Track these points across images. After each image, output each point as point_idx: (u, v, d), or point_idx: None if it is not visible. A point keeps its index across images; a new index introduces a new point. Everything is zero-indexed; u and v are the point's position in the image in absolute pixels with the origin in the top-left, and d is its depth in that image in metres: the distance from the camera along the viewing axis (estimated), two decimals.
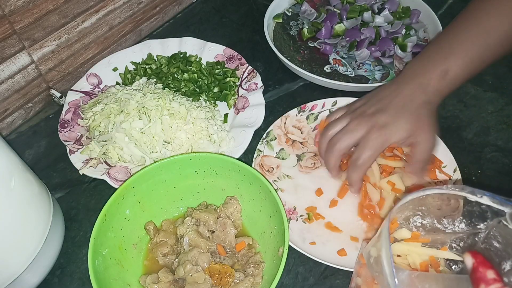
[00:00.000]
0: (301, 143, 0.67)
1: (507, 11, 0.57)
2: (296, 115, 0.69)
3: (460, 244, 0.44)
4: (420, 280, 0.37)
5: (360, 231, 0.58)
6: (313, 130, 0.68)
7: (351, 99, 0.70)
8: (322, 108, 0.70)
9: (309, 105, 0.70)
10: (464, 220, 0.42)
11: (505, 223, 0.37)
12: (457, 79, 0.57)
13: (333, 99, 0.70)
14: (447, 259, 0.45)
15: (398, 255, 0.45)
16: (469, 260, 0.32)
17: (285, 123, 0.68)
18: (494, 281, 0.30)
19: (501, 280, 0.30)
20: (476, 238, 0.42)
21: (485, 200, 0.37)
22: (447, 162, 0.62)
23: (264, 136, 0.66)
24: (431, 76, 0.56)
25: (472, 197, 0.38)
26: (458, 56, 0.56)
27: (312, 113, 0.69)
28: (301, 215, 0.60)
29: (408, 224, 0.45)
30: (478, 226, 0.40)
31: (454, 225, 0.43)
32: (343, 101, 0.70)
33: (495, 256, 0.40)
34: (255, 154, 0.65)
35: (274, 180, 0.63)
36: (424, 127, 0.56)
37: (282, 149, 0.67)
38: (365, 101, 0.60)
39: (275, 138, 0.67)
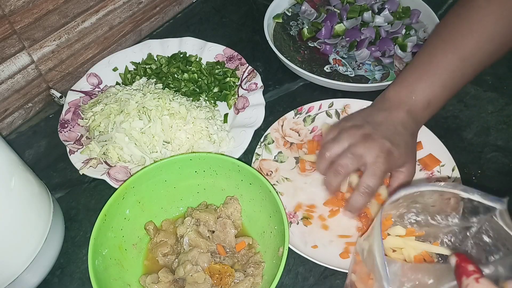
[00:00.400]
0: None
1: (482, 35, 0.57)
2: (293, 118, 0.69)
3: (452, 240, 0.45)
4: (412, 271, 0.38)
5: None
6: (310, 133, 0.68)
7: (350, 100, 0.70)
8: (319, 110, 0.69)
9: (306, 107, 0.69)
10: (457, 215, 0.43)
11: (495, 219, 0.38)
12: (437, 107, 0.60)
13: (329, 101, 0.70)
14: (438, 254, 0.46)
15: (394, 250, 0.46)
16: (453, 259, 0.35)
17: (282, 126, 0.68)
18: (473, 272, 0.33)
19: (480, 272, 0.33)
20: (468, 233, 0.43)
21: (477, 197, 0.38)
22: (446, 161, 0.62)
23: (261, 139, 0.66)
24: (417, 106, 0.58)
25: (464, 195, 0.39)
26: (438, 87, 0.58)
27: (309, 115, 0.69)
28: (302, 218, 0.60)
29: (403, 221, 0.46)
30: (471, 220, 0.42)
31: (448, 220, 0.44)
32: (339, 102, 0.70)
33: (483, 252, 0.41)
34: (254, 158, 0.64)
35: (274, 184, 0.63)
36: (411, 158, 0.57)
37: (280, 152, 0.66)
38: (360, 123, 0.58)
39: (273, 141, 0.67)
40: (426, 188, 0.40)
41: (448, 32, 0.60)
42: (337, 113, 0.70)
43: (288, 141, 0.67)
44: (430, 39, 0.62)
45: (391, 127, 0.57)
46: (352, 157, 0.55)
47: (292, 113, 0.69)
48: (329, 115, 0.69)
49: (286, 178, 0.64)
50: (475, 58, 0.58)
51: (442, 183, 0.40)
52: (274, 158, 0.66)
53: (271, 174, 0.64)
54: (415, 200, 0.43)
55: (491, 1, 0.57)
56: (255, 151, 0.65)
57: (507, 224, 0.37)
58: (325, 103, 0.70)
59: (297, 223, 0.59)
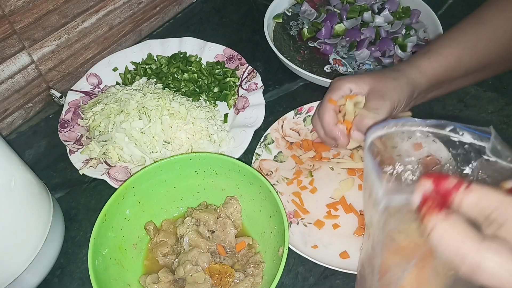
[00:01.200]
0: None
1: (487, 24, 0.58)
2: (293, 118, 0.69)
3: None
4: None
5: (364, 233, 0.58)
6: (310, 132, 0.68)
7: None
8: None
9: (306, 107, 0.69)
10: (450, 167, 0.41)
11: (486, 157, 0.36)
12: (428, 76, 0.57)
13: None
14: None
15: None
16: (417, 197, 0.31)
17: (282, 126, 0.68)
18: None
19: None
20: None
21: (467, 137, 0.36)
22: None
23: (261, 139, 0.66)
24: (412, 71, 0.57)
25: (454, 136, 0.37)
26: (432, 58, 0.57)
27: (309, 115, 0.69)
28: (302, 219, 0.60)
29: (401, 183, 0.43)
30: (465, 171, 0.39)
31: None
32: None
33: None
34: (254, 158, 0.64)
35: (274, 184, 0.63)
36: (391, 96, 0.54)
37: (280, 152, 0.66)
38: None
39: (273, 141, 0.66)
40: (417, 128, 0.37)
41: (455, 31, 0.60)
42: None
43: (288, 141, 0.67)
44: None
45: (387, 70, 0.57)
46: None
47: (292, 113, 0.69)
48: None
49: (286, 178, 0.64)
50: (478, 40, 0.57)
51: (428, 121, 0.37)
52: (274, 158, 0.66)
53: (271, 174, 0.64)
54: (408, 150, 0.40)
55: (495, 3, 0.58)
56: (255, 151, 0.65)
57: (501, 155, 0.35)
58: None
59: (297, 223, 0.59)
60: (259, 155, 0.65)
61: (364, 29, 0.80)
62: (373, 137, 0.38)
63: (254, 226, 0.57)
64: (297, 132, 0.68)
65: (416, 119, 0.38)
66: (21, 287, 0.53)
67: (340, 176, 0.63)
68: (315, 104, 0.69)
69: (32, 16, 0.64)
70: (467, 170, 0.39)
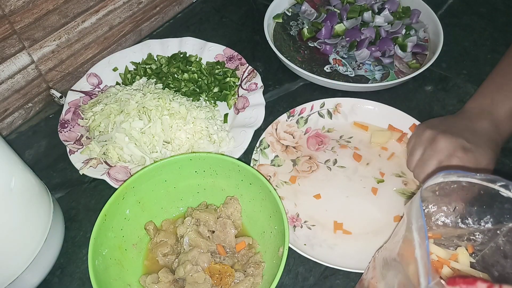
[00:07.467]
0: (294, 147, 0.67)
1: None
2: (286, 120, 0.68)
3: (479, 237, 0.40)
4: None
5: (368, 232, 0.58)
6: (304, 134, 0.68)
7: (341, 99, 0.69)
8: (311, 111, 0.69)
9: (298, 109, 0.69)
10: (491, 219, 0.38)
11: None
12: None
13: (321, 101, 0.69)
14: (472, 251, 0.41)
15: None
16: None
17: (276, 129, 0.67)
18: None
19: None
20: (498, 231, 0.39)
21: None
22: None
23: (257, 145, 0.65)
24: (499, 115, 0.55)
25: (505, 192, 0.34)
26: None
27: (302, 117, 0.69)
28: (305, 221, 0.60)
29: (429, 222, 0.42)
30: (508, 225, 0.37)
31: (480, 225, 0.39)
32: (331, 102, 0.69)
33: None
34: (251, 164, 0.64)
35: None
36: (493, 165, 0.54)
37: (277, 156, 0.66)
38: (440, 131, 0.56)
39: (268, 146, 0.66)
40: (463, 179, 0.35)
41: None
42: (329, 112, 0.70)
43: (283, 144, 0.67)
44: (508, 51, 0.60)
45: (475, 134, 0.55)
46: (435, 151, 0.53)
47: (285, 115, 0.68)
48: (321, 115, 0.69)
49: (285, 182, 0.63)
50: None
51: (480, 175, 0.35)
52: (271, 162, 0.65)
53: (269, 179, 0.63)
54: (448, 193, 0.38)
55: None
56: (252, 157, 0.64)
57: None
58: (317, 103, 0.69)
59: (301, 227, 0.59)
60: (256, 160, 0.64)
61: (364, 29, 0.80)
62: (425, 186, 0.36)
63: (254, 226, 0.57)
64: (292, 135, 0.68)
65: (467, 172, 0.36)
66: (21, 287, 0.53)
67: (337, 176, 0.63)
68: (307, 105, 0.69)
69: (32, 16, 0.64)
70: (511, 224, 0.37)
